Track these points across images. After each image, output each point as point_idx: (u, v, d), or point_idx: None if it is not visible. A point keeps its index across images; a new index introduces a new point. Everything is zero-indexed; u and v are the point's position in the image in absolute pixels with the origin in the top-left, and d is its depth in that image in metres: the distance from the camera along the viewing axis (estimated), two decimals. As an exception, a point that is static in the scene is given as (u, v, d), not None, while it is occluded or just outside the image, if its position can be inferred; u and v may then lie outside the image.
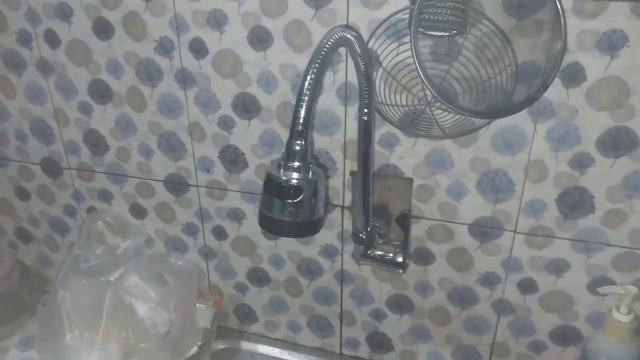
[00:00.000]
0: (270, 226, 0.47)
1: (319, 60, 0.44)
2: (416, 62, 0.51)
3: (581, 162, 0.62)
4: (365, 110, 0.57)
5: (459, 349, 0.80)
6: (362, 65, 0.53)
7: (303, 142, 0.44)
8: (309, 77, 0.44)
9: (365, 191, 0.62)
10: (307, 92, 0.44)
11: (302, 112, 0.44)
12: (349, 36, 0.49)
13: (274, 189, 0.46)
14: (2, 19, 0.79)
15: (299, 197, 0.45)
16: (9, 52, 0.81)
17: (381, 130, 0.68)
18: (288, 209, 0.46)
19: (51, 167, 0.90)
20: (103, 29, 0.74)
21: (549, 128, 0.62)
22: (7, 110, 0.87)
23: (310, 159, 0.46)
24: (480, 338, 0.78)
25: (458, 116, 0.61)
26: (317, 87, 0.44)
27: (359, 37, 0.51)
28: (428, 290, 0.77)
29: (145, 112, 0.79)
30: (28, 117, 0.86)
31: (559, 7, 0.52)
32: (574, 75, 0.58)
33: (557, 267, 0.69)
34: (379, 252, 0.68)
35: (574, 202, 0.65)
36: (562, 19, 0.53)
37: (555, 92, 0.60)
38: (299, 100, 0.44)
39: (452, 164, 0.68)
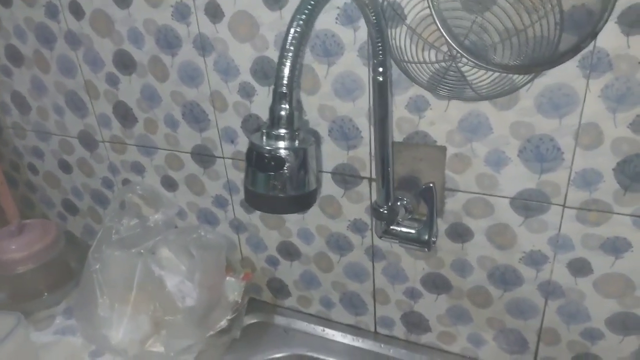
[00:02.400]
0: (256, 202, 0.43)
1: (306, 11, 0.38)
2: (432, 11, 0.44)
3: (645, 125, 0.52)
4: (380, 70, 0.51)
5: (502, 333, 0.73)
6: (372, 16, 0.46)
7: (288, 106, 0.39)
8: (292, 31, 0.38)
9: (384, 162, 0.56)
10: (291, 48, 0.38)
11: (286, 71, 0.38)
12: (349, -18, 0.43)
13: (255, 160, 0.41)
14: (29, -8, 0.79)
15: (282, 168, 0.40)
16: (39, 25, 0.82)
17: (409, 92, 0.61)
18: (272, 182, 0.41)
19: (87, 140, 0.91)
20: (121, -4, 0.72)
21: (605, 84, 0.52)
22: (44, 84, 0.88)
23: (298, 124, 0.40)
24: (526, 323, 0.70)
25: (494, 74, 0.53)
26: (303, 42, 0.39)
27: (363, -16, 0.44)
28: (466, 269, 0.70)
29: (168, 82, 0.76)
30: (62, 90, 0.87)
31: None
32: (636, 20, 0.48)
33: (616, 247, 0.60)
34: (403, 229, 0.62)
35: (637, 172, 0.55)
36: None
37: (612, 40, 0.50)
38: (282, 57, 0.38)
39: (490, 129, 0.60)
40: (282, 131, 0.40)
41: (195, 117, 0.77)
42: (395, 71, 0.60)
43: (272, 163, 0.40)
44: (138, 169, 0.89)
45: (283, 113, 0.39)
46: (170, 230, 0.86)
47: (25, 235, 0.93)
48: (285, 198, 0.41)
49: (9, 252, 0.91)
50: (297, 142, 0.40)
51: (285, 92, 0.38)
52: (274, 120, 0.39)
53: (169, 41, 0.72)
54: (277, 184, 0.41)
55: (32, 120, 0.95)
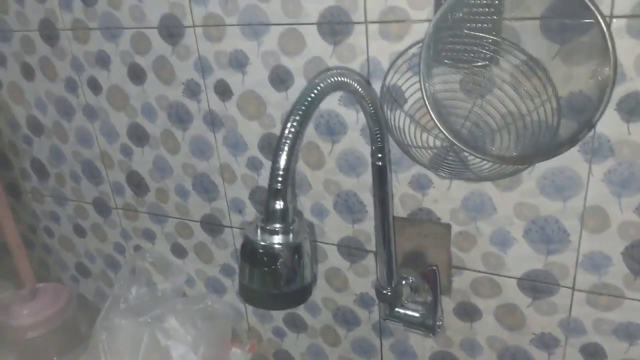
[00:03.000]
0: (250, 298, 0.42)
1: (300, 113, 0.39)
2: (426, 101, 0.45)
3: (651, 210, 0.51)
4: (379, 155, 0.51)
5: (515, 417, 0.69)
6: (370, 108, 0.47)
7: (283, 202, 0.39)
8: (286, 131, 0.39)
9: (385, 243, 0.55)
10: (285, 147, 0.39)
11: (281, 169, 0.39)
12: (344, 79, 0.44)
13: (249, 255, 0.41)
14: (52, 68, 0.83)
15: (275, 264, 0.40)
16: (60, 99, 0.85)
17: (411, 171, 0.62)
18: (266, 277, 0.41)
19: (101, 207, 0.93)
20: (137, 74, 0.75)
21: (608, 169, 0.52)
22: (63, 153, 0.92)
23: (292, 218, 0.41)
24: (540, 408, 0.67)
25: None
26: (297, 141, 0.40)
27: (359, 80, 0.45)
28: (476, 349, 0.68)
29: (179, 154, 0.78)
30: (80, 159, 0.90)
31: (603, 27, 0.43)
32: (635, 107, 0.48)
33: (629, 333, 0.57)
34: (408, 312, 0.61)
35: (646, 257, 0.53)
36: (608, 41, 0.44)
37: (612, 127, 0.50)
38: (277, 155, 0.39)
39: (494, 209, 0.59)
40: (277, 226, 0.40)
41: (205, 187, 0.79)
42: (398, 151, 0.60)
43: (266, 258, 0.40)
44: (149, 235, 0.90)
45: (277, 208, 0.40)
46: (178, 299, 0.86)
47: (37, 300, 0.94)
48: (279, 295, 0.41)
49: (20, 317, 0.92)
50: (291, 236, 0.41)
51: (280, 189, 0.39)
52: (269, 215, 0.40)
53: (180, 116, 0.75)
54: (271, 279, 0.41)
55: (50, 186, 0.97)
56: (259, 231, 0.41)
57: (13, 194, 1.04)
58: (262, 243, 0.40)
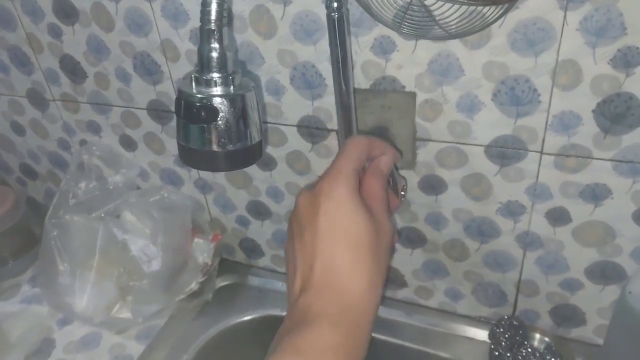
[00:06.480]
0: (191, 159, 0.37)
1: None
2: None
3: (627, 60, 0.47)
4: (335, 5, 0.45)
5: (480, 286, 0.70)
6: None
7: (218, 46, 0.33)
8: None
9: (346, 112, 0.51)
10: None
11: (213, 5, 0.32)
12: None
13: (184, 110, 0.35)
14: None
15: (215, 119, 0.35)
16: (-32, -28, 0.74)
17: (373, 33, 0.56)
18: (205, 135, 0.35)
19: (37, 99, 0.84)
20: None
21: (584, 16, 0.47)
22: (-16, 39, 0.81)
23: (234, 67, 0.35)
24: (504, 275, 0.68)
25: (461, 7, 0.47)
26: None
27: None
28: (441, 222, 0.67)
29: (115, 32, 0.69)
30: (5, 45, 0.80)
31: None
32: (621, -62, 0.43)
33: (595, 194, 0.56)
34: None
35: (618, 113, 0.50)
36: None
37: (593, -36, 0.44)
38: (207, -13, 0.32)
39: (462, 71, 0.55)
40: (215, 75, 0.34)
41: (147, 69, 0.71)
42: (357, 10, 0.54)
43: (204, 113, 0.35)
44: (94, 128, 0.83)
45: (214, 54, 0.33)
46: (132, 192, 0.82)
47: (-18, 203, 0.88)
48: (223, 153, 0.36)
49: (-35, 221, 0.86)
50: (232, 88, 0.35)
51: (214, 29, 0.33)
52: (204, 63, 0.34)
53: (110, -15, 0.65)
54: (212, 137, 0.35)
55: (-24, 79, 0.88)
56: (193, 83, 0.35)
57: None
58: (199, 96, 0.35)
